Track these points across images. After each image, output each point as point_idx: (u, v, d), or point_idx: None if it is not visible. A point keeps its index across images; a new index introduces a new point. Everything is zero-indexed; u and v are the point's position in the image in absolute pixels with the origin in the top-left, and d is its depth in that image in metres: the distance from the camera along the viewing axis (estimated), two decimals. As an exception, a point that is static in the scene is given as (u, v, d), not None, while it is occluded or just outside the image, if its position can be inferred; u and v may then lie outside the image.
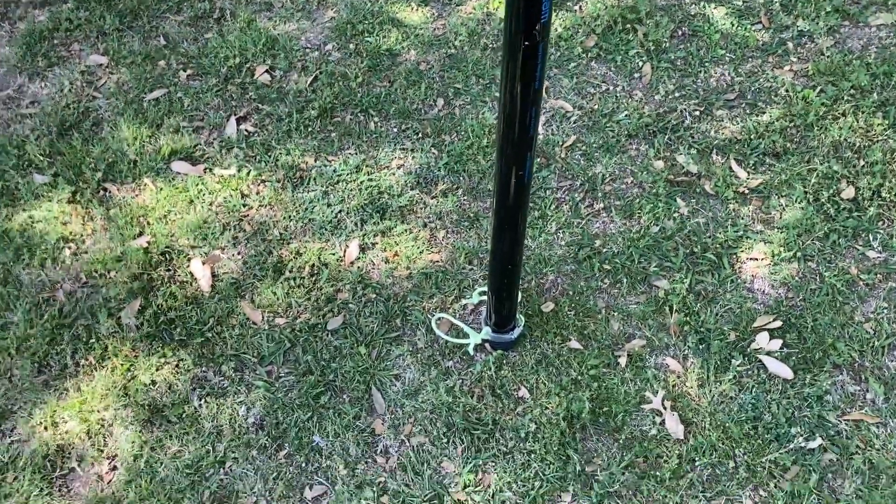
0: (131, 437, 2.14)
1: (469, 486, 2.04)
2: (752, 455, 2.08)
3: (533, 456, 2.09)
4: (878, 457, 2.07)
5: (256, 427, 2.16)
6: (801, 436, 2.11)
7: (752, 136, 2.81)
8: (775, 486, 2.03)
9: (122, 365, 2.26)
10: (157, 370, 2.26)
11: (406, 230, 2.55)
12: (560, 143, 2.82)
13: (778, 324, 2.31)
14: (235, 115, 2.93)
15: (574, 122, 2.90)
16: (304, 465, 2.10)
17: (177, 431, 2.15)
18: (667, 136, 2.83)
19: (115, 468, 2.11)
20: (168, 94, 3.02)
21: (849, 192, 2.64)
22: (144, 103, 2.98)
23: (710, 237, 2.53)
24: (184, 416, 2.18)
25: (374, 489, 2.04)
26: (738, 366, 2.23)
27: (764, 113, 2.90)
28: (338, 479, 2.07)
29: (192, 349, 2.30)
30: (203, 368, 2.27)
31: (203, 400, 2.21)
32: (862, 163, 2.71)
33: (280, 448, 2.13)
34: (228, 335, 2.32)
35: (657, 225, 2.57)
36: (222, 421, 2.17)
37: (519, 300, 2.26)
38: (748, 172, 2.72)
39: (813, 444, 2.10)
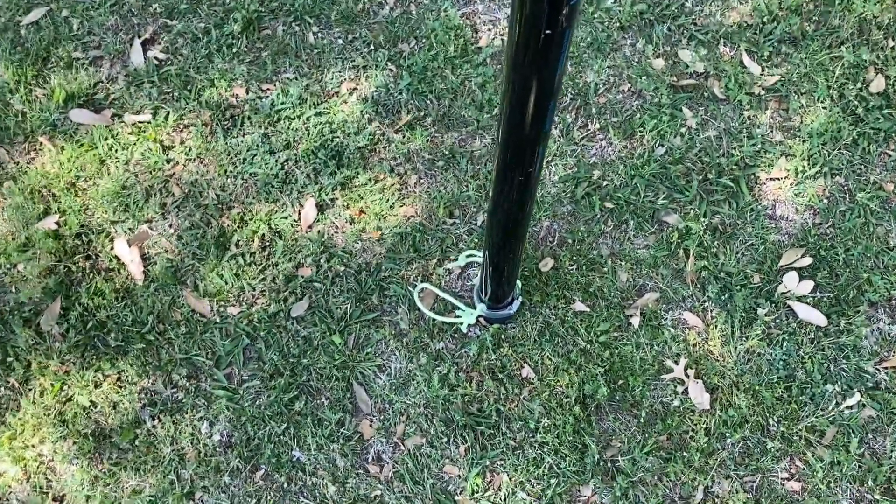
0: (78, 474, 1.82)
1: (477, 491, 1.81)
2: (788, 422, 1.87)
3: (546, 448, 1.84)
4: (922, 410, 1.87)
5: (224, 446, 1.86)
6: (839, 393, 1.90)
7: (764, 19, 2.37)
8: (813, 456, 1.84)
9: (52, 386, 1.89)
10: (95, 388, 1.90)
11: (370, 179, 2.13)
12: (541, 45, 2.33)
13: (807, 260, 2.03)
14: (140, 36, 2.36)
15: (555, 15, 2.40)
16: (285, 485, 1.82)
17: (131, 461, 1.84)
18: (666, 26, 2.37)
19: (65, 511, 1.81)
20: (50, 13, 2.41)
21: (878, 84, 2.27)
22: (22, 30, 2.37)
23: (723, 155, 2.17)
24: (137, 441, 1.86)
25: (371, 506, 1.80)
26: (765, 315, 1.97)
27: (776, -15, 2.44)
28: (327, 498, 1.81)
29: (134, 357, 1.93)
30: (150, 380, 1.92)
31: (156, 419, 1.88)
32: (892, 45, 2.32)
33: (255, 469, 1.84)
34: (174, 335, 1.95)
35: (662, 145, 2.19)
36: (183, 442, 1.86)
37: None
38: (762, 66, 2.31)
39: (851, 401, 1.89)
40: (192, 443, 1.86)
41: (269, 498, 1.81)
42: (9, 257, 2.03)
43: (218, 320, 1.97)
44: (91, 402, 1.89)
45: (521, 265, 1.98)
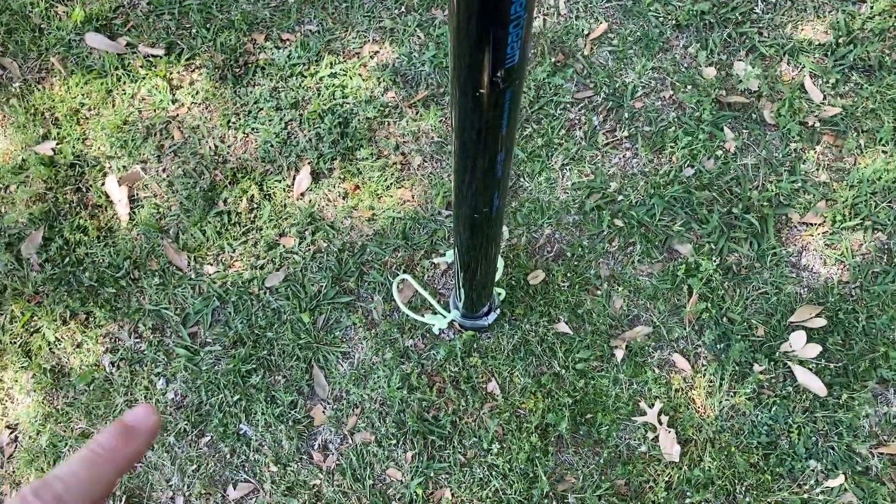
0: (32, 407, 1.84)
1: (417, 502, 1.75)
2: (757, 492, 1.74)
3: (495, 471, 1.77)
4: (910, 508, 1.72)
5: (175, 406, 1.85)
6: (822, 472, 1.75)
7: (840, 39, 2.11)
8: (776, 534, 1.71)
9: (22, 315, 1.90)
10: (63, 324, 1.90)
11: (372, 154, 2.02)
12: (584, 33, 2.15)
13: (821, 322, 1.85)
14: (169, -38, 2.26)
15: (608, 1, 2.19)
16: (228, 456, 1.81)
17: (84, 404, 1.84)
18: (727, 32, 2.14)
19: (16, 439, 1.84)
20: (84, -76, 2.32)
21: (953, 134, 2.01)
22: (53, -61, 2.30)
23: (757, 188, 1.98)
24: (93, 385, 1.86)
25: (307, 494, 1.76)
26: (760, 373, 1.82)
27: (865, 1, 2.16)
28: (266, 477, 1.79)
29: (104, 300, 1.91)
30: (116, 325, 1.90)
31: (115, 366, 1.88)
32: (981, 92, 2.04)
33: (201, 434, 1.82)
34: (147, 284, 1.92)
35: (693, 165, 2.00)
36: (137, 394, 1.85)
37: (500, 274, 1.81)
38: (825, 94, 2.07)
39: (833, 483, 1.74)
40: (145, 396, 1.85)
41: (209, 465, 1.80)
42: (1, 178, 2.02)
43: (193, 276, 1.93)
44: (56, 337, 1.89)
45: (506, 273, 1.86)
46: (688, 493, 1.74)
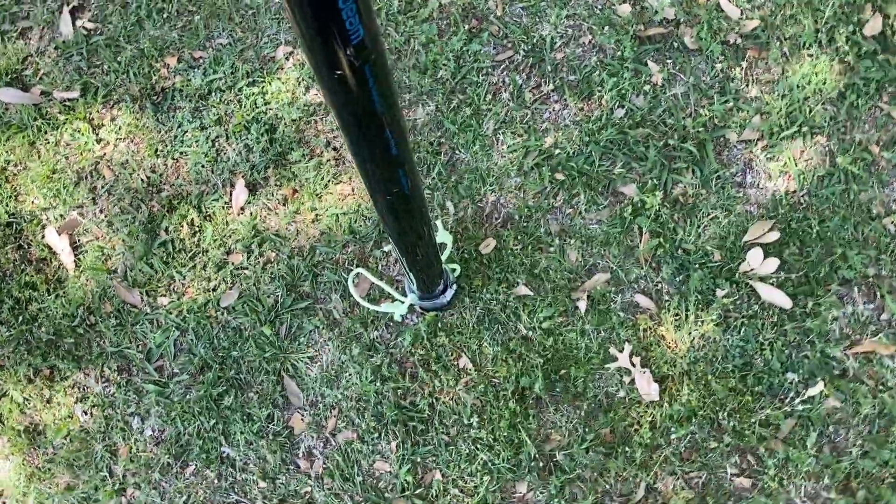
0: (13, 471, 1.83)
1: (409, 489, 1.75)
2: (741, 415, 1.74)
3: (479, 444, 1.77)
4: (892, 401, 1.72)
5: (155, 442, 1.84)
6: (800, 382, 1.76)
7: (748, -48, 2.10)
8: (766, 451, 1.72)
9: (-15, 381, 1.89)
10: (28, 383, 1.89)
11: (304, 155, 2.00)
12: (493, -6, 2.13)
13: (775, 235, 1.84)
14: (68, 4, 2.22)
15: (511, -42, 2.16)
16: (216, 481, 1.80)
17: (64, 457, 1.84)
18: (634, -34, 2.12)
19: (5, 505, 1.84)
20: (-24, -19, 2.28)
21: (874, 26, 2.00)
22: (-52, 1, 2.26)
23: (690, 115, 1.97)
24: (70, 436, 1.85)
25: (300, 503, 1.77)
26: (723, 297, 1.82)
27: None
28: (257, 494, 1.78)
29: (65, 351, 1.90)
30: (82, 374, 1.89)
31: (88, 414, 1.87)
32: (894, -23, 2.03)
33: (185, 465, 1.82)
34: (104, 327, 1.91)
35: (623, 105, 1.99)
36: (115, 438, 1.84)
37: (450, 250, 1.80)
38: (742, 10, 2.05)
39: (813, 391, 1.75)
40: (123, 438, 1.84)
41: (199, 494, 1.80)
42: (-59, 249, 2.00)
43: (148, 311, 1.92)
44: (24, 397, 1.88)
45: (457, 247, 1.86)
46: (672, 429, 1.75)
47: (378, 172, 1.11)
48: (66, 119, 2.09)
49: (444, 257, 1.76)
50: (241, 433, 1.81)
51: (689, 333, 1.81)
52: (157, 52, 2.14)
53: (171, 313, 1.91)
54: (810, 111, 1.94)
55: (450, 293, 1.80)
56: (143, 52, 2.14)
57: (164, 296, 1.93)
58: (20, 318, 1.93)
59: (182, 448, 1.82)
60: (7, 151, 2.08)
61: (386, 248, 1.92)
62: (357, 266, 1.91)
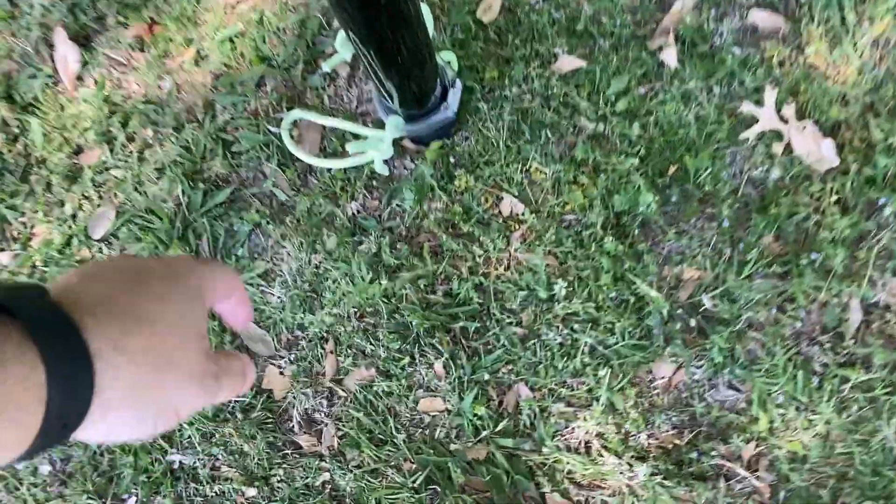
0: None
1: (486, 426, 1.05)
2: None
3: (576, 324, 1.06)
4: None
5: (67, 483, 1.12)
6: None
7: None
8: None
9: None
10: None
11: (147, -37, 1.19)
12: None
13: None
14: None
15: None
16: (178, 512, 1.09)
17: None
18: None
19: None
20: None
21: None
22: None
23: None
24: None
25: (323, 497, 1.07)
26: (893, -30, 1.07)
27: None
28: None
29: None
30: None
31: (-57, 473, 1.13)
32: None
33: (121, 501, 1.11)
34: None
35: None
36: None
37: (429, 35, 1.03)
38: None
39: None
40: None
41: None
42: None
43: (-16, 285, 1.16)
44: None
45: (438, 25, 1.10)
46: (879, 200, 1.04)
47: None
48: None
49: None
50: (190, 424, 1.09)
51: (858, 42, 1.08)
52: None
53: (22, 269, 1.15)
54: None
55: (454, 99, 1.04)
56: None
57: (8, 250, 1.17)
58: None
59: (110, 479, 1.10)
60: None
61: (326, 67, 1.14)
62: (289, 109, 1.14)
